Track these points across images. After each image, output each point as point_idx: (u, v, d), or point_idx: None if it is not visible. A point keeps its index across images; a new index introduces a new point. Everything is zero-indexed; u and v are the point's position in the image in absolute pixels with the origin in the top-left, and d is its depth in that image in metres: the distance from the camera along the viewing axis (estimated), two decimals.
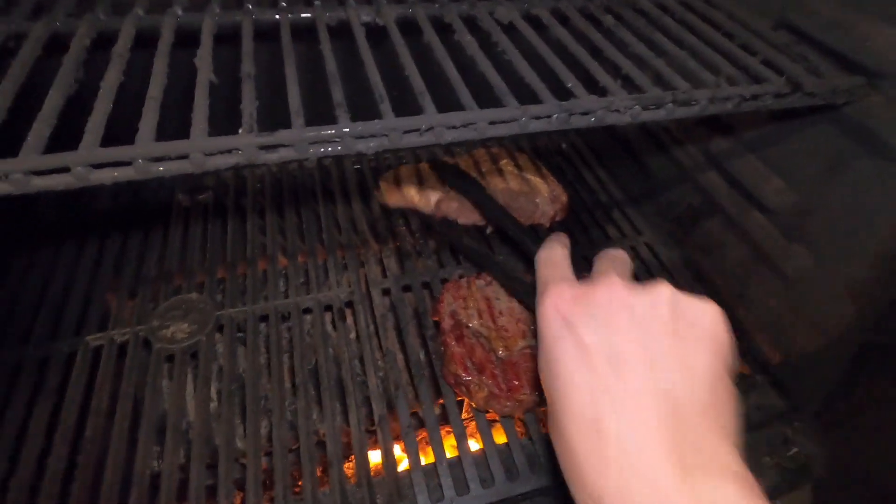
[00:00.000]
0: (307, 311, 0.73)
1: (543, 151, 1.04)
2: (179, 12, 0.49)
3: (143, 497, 0.54)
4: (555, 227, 0.85)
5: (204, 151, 0.35)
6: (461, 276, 0.74)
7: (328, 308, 0.73)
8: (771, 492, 0.60)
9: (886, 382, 0.69)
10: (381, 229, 0.84)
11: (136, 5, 0.49)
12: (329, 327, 0.72)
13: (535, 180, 0.87)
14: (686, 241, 0.81)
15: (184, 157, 0.35)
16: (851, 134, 0.53)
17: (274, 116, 0.44)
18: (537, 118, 0.41)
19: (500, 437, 0.62)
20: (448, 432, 0.62)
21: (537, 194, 0.85)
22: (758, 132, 0.65)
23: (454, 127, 0.39)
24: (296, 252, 0.80)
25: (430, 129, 0.38)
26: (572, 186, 0.95)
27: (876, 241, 0.53)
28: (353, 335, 0.71)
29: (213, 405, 0.65)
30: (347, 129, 0.37)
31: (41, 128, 0.35)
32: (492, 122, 0.40)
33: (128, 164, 0.34)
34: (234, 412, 0.62)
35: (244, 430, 0.61)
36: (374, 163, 0.98)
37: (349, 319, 0.73)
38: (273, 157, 0.36)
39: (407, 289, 0.76)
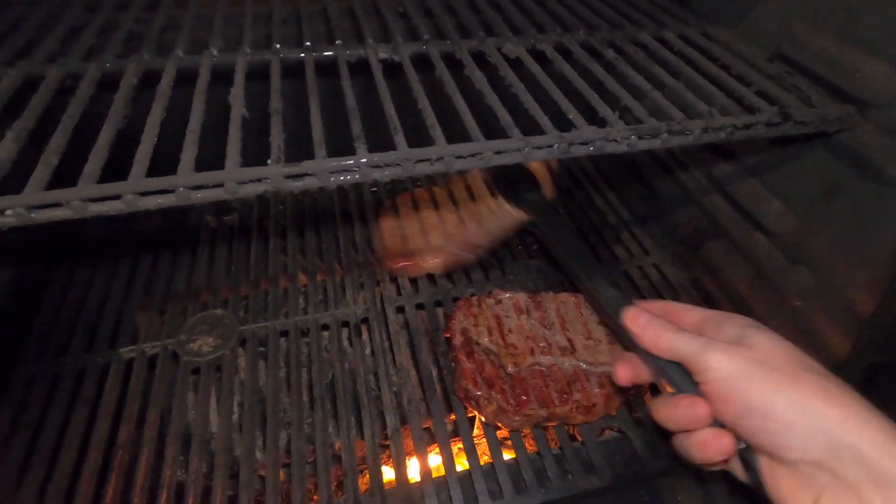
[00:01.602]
0: (325, 327, 0.77)
1: (554, 175, 1.07)
2: (215, 53, 0.55)
3: (170, 500, 0.57)
4: None
5: (237, 180, 0.39)
6: (472, 295, 0.77)
7: (345, 324, 0.77)
8: None
9: (878, 402, 0.70)
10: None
11: (177, 47, 0.55)
12: (346, 343, 0.76)
13: None
14: (692, 262, 0.83)
15: (219, 185, 0.39)
16: (846, 160, 0.55)
17: (298, 146, 0.48)
18: (539, 148, 0.44)
19: (510, 453, 0.64)
20: (459, 446, 0.65)
21: None
22: (759, 157, 0.67)
23: (462, 157, 0.43)
24: (315, 271, 0.84)
25: (440, 159, 0.42)
26: (581, 209, 0.97)
27: (874, 264, 0.54)
28: (368, 351, 0.74)
29: (235, 417, 0.68)
30: (365, 160, 0.41)
31: (96, 160, 0.39)
32: (497, 152, 0.44)
33: (171, 192, 0.38)
34: (254, 424, 0.65)
35: (263, 442, 0.64)
36: (390, 185, 1.02)
37: (365, 335, 0.76)
38: (298, 185, 0.40)
39: (420, 307, 0.79)
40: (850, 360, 0.59)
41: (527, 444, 0.64)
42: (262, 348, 0.74)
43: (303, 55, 0.56)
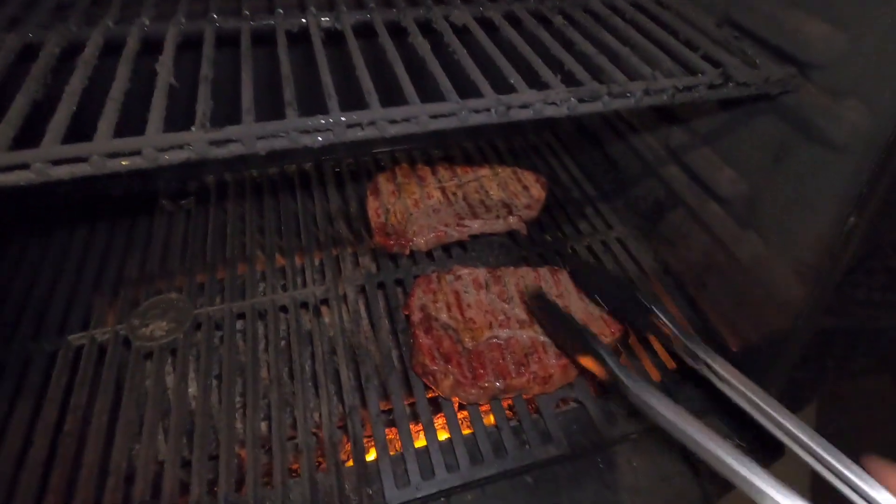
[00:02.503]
0: (283, 308, 0.75)
1: (520, 152, 1.06)
2: (147, 22, 0.52)
3: (119, 487, 0.56)
4: (530, 225, 0.88)
5: (156, 147, 0.37)
6: (433, 272, 0.76)
7: (304, 305, 0.76)
8: None
9: (843, 366, 0.71)
10: (358, 229, 0.87)
11: (107, 17, 0.52)
12: (305, 324, 0.75)
13: (521, 172, 0.93)
14: (653, 234, 0.83)
15: (137, 153, 0.37)
16: (792, 123, 0.55)
17: (234, 119, 0.46)
18: (477, 111, 0.44)
19: (469, 430, 0.64)
20: (417, 422, 0.64)
21: (527, 183, 0.90)
22: (711, 125, 0.67)
23: (395, 121, 0.42)
24: (274, 252, 0.82)
25: (372, 123, 0.41)
26: (547, 187, 0.97)
27: (818, 225, 0.55)
28: (327, 331, 0.73)
29: (191, 401, 0.66)
30: (293, 124, 0.39)
31: (6, 129, 0.37)
32: (433, 116, 0.43)
33: (84, 160, 0.36)
34: (210, 406, 0.64)
35: (219, 425, 0.63)
36: (354, 167, 1.00)
37: (324, 315, 0.75)
38: (223, 151, 0.39)
39: (381, 286, 0.79)
40: (798, 323, 0.60)
41: (486, 420, 0.64)
42: (218, 331, 0.72)
43: (240, 25, 0.54)
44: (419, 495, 0.57)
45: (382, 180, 0.91)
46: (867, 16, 0.46)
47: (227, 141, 0.39)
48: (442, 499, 0.58)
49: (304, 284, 0.78)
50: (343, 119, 0.40)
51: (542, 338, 0.66)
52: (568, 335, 0.59)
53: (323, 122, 0.40)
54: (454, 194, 0.89)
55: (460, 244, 0.85)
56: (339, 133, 0.41)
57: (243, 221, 0.88)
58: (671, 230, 0.79)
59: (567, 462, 0.61)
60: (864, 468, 0.37)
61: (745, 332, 0.68)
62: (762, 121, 0.59)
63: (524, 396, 0.65)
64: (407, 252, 0.82)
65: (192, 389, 0.67)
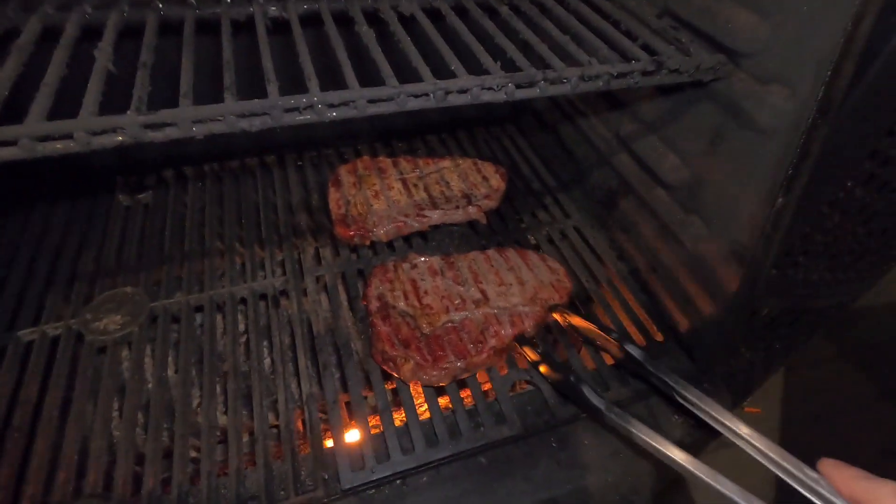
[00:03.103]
0: (242, 300, 0.75)
1: (482, 145, 1.08)
2: (88, 10, 0.52)
3: (70, 480, 0.56)
4: (490, 215, 0.89)
5: (89, 130, 0.37)
6: (391, 262, 0.77)
7: (263, 297, 0.76)
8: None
9: (782, 345, 0.75)
10: (320, 220, 0.87)
11: (46, 4, 0.52)
12: (263, 315, 0.75)
13: (482, 164, 0.94)
14: (608, 221, 0.85)
15: (68, 136, 0.37)
16: (725, 109, 0.58)
17: (173, 106, 0.46)
18: (416, 96, 0.45)
19: (426, 415, 0.65)
20: (375, 411, 0.65)
21: (487, 174, 0.92)
22: (656, 113, 0.70)
23: (334, 105, 0.42)
24: (234, 244, 0.82)
25: (310, 106, 0.42)
26: (507, 177, 0.98)
27: (751, 207, 0.57)
28: (286, 322, 0.73)
29: (146, 394, 0.66)
30: (229, 108, 0.40)
31: None
32: (371, 101, 0.43)
33: (13, 143, 0.36)
34: (167, 399, 0.64)
35: (174, 416, 0.63)
36: (317, 160, 1.00)
37: (284, 307, 0.75)
38: (158, 135, 0.39)
39: (342, 276, 0.79)
40: (738, 303, 0.62)
41: (441, 405, 0.65)
42: (175, 324, 0.72)
43: (185, 13, 0.54)
44: (374, 478, 0.57)
45: (344, 172, 0.91)
46: (787, 5, 0.49)
47: (163, 125, 0.39)
48: (398, 481, 0.59)
49: (264, 276, 0.78)
50: (280, 103, 0.41)
51: (495, 311, 0.68)
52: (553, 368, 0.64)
53: (259, 106, 0.40)
54: (415, 185, 0.90)
55: (421, 234, 0.86)
56: (277, 117, 0.41)
57: (203, 214, 0.87)
58: (624, 217, 0.81)
59: (521, 442, 0.62)
60: (820, 472, 0.40)
61: (692, 314, 0.70)
62: (699, 108, 0.61)
63: (479, 384, 0.66)
64: (367, 243, 0.83)
65: (149, 383, 0.66)
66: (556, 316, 0.71)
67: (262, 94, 0.44)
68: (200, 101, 0.41)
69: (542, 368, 0.65)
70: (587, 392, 0.59)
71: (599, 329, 0.66)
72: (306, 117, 0.42)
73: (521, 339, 0.67)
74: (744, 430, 0.49)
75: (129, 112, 0.39)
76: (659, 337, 0.74)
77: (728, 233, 0.61)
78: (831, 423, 1.40)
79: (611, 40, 0.57)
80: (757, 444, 0.47)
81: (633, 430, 0.54)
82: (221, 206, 0.89)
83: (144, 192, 0.90)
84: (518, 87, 0.47)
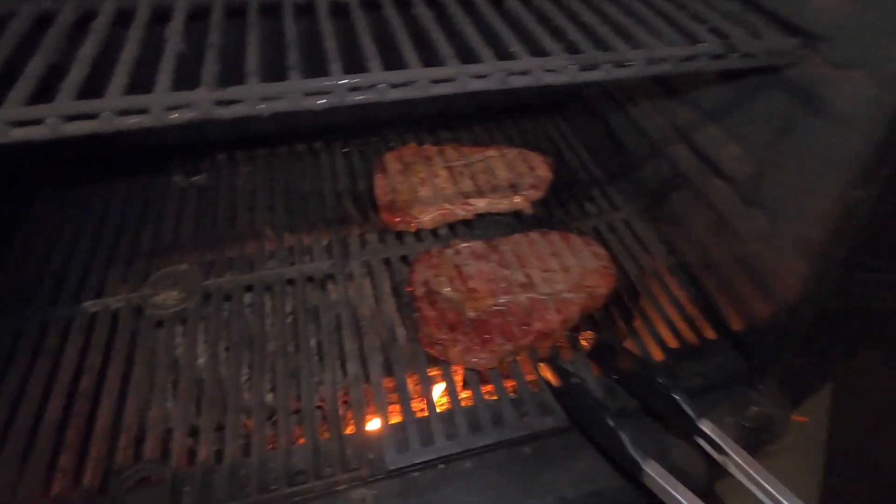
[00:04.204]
0: (290, 281, 0.77)
1: (528, 134, 1.06)
2: None
3: (130, 443, 0.58)
4: (535, 205, 0.88)
5: (163, 106, 0.38)
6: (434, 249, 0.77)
7: (310, 279, 0.77)
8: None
9: (846, 348, 0.71)
10: (365, 207, 0.88)
11: None
12: (311, 297, 0.76)
13: (528, 153, 0.93)
14: (658, 214, 0.83)
15: (144, 111, 0.38)
16: (797, 96, 0.55)
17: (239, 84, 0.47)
18: (477, 77, 0.44)
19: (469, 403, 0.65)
20: (420, 396, 0.65)
21: (533, 164, 0.91)
22: (717, 101, 0.67)
23: (396, 85, 0.42)
24: (282, 227, 0.84)
25: (373, 86, 0.42)
26: (553, 168, 0.97)
27: (823, 200, 0.54)
28: (332, 305, 0.75)
29: (200, 367, 0.68)
30: (295, 86, 0.40)
31: (22, 86, 0.39)
32: (433, 81, 0.43)
33: (95, 116, 0.38)
34: (219, 375, 0.66)
35: (227, 393, 0.65)
36: (363, 147, 1.01)
37: (330, 290, 0.77)
38: (227, 112, 0.40)
39: (386, 262, 0.80)
40: (801, 302, 0.59)
41: (485, 395, 0.65)
42: (226, 302, 0.74)
43: None
44: (418, 460, 0.58)
45: (390, 159, 0.92)
46: None
47: (231, 101, 0.40)
48: (441, 465, 0.59)
49: (311, 260, 0.80)
50: (344, 81, 0.41)
51: (541, 296, 0.68)
52: (584, 410, 0.59)
53: (325, 84, 0.41)
54: (461, 174, 0.89)
55: (465, 223, 0.85)
56: (340, 95, 0.42)
57: (253, 198, 0.89)
58: (676, 210, 0.78)
59: (565, 434, 0.61)
60: None
61: (748, 312, 0.68)
62: (767, 95, 0.58)
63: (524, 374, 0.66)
64: (413, 229, 0.83)
65: (201, 358, 0.68)
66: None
67: (322, 74, 0.45)
68: (263, 80, 0.42)
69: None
70: (623, 438, 0.53)
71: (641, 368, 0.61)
72: (368, 97, 0.42)
73: (551, 360, 0.64)
74: None
75: (200, 88, 0.40)
76: (711, 334, 0.71)
77: (793, 227, 0.58)
78: (881, 433, 1.32)
79: (677, 23, 0.54)
80: None
81: (669, 490, 0.48)
82: (271, 191, 0.91)
83: (198, 175, 0.93)
84: (582, 69, 0.46)
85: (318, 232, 0.83)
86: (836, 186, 0.53)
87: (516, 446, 0.60)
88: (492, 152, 0.94)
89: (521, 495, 0.57)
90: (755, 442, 0.62)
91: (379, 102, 0.43)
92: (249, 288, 0.76)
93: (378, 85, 0.42)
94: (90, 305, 0.71)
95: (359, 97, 0.42)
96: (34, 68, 0.41)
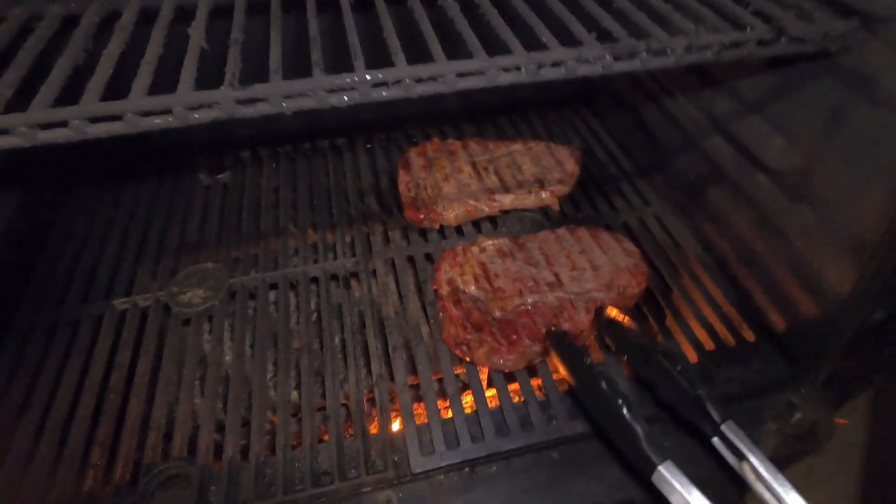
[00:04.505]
0: (314, 279, 0.77)
1: (554, 127, 1.03)
2: None
3: (159, 440, 0.59)
4: (562, 201, 0.85)
5: (186, 105, 0.38)
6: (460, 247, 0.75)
7: (334, 277, 0.77)
8: (772, 458, 0.58)
9: (890, 352, 0.66)
10: (388, 204, 0.87)
11: None
12: (335, 295, 0.75)
13: (555, 147, 0.91)
14: (694, 210, 0.79)
15: (168, 111, 0.38)
16: (851, 83, 0.51)
17: (263, 81, 0.46)
18: (507, 70, 0.42)
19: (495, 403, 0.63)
20: (444, 396, 0.64)
21: (560, 158, 0.89)
22: (760, 91, 0.63)
23: (422, 80, 0.41)
24: (306, 225, 0.84)
25: (398, 81, 0.40)
26: (581, 162, 0.94)
27: (877, 196, 0.50)
28: (356, 303, 0.74)
29: (226, 366, 0.69)
30: (319, 83, 0.39)
31: (48, 89, 0.39)
32: (460, 75, 0.41)
33: (119, 118, 0.37)
34: (244, 372, 0.66)
35: (252, 390, 0.65)
36: (385, 144, 1.00)
37: (354, 288, 0.76)
38: (250, 110, 0.39)
39: (410, 260, 0.79)
40: (850, 303, 0.56)
41: (513, 396, 0.63)
42: (251, 301, 0.74)
43: None
44: (443, 464, 0.57)
45: (413, 155, 0.90)
46: None
47: (255, 100, 0.39)
48: (466, 469, 0.58)
49: (335, 257, 0.79)
50: (368, 77, 0.40)
51: (569, 296, 0.66)
52: (598, 396, 0.53)
53: (348, 80, 0.39)
54: (485, 169, 0.87)
55: (490, 219, 0.84)
56: (365, 92, 0.40)
57: (277, 195, 0.89)
58: (713, 206, 0.75)
59: (595, 440, 0.59)
60: None
61: (791, 313, 0.64)
62: (817, 82, 0.55)
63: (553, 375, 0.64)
64: (437, 226, 0.82)
65: (228, 356, 0.69)
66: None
67: (346, 69, 0.43)
68: (287, 78, 0.41)
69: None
70: (639, 431, 0.48)
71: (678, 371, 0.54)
72: (394, 93, 0.41)
73: (556, 334, 0.60)
74: None
75: (222, 87, 0.39)
76: (750, 336, 0.68)
77: (844, 225, 0.54)
78: None
79: (716, 5, 0.51)
80: None
81: (680, 492, 0.44)
82: (294, 188, 0.90)
83: (223, 173, 0.93)
84: (616, 59, 0.43)
85: (342, 229, 0.83)
86: (893, 182, 0.49)
87: (544, 451, 0.59)
88: (517, 146, 0.91)
89: (549, 502, 0.55)
90: (800, 450, 0.59)
91: (405, 98, 0.42)
92: (274, 286, 0.75)
93: (404, 80, 0.40)
94: (119, 303, 0.72)
95: (384, 93, 0.41)
96: (60, 70, 0.41)
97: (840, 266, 0.56)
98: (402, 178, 0.86)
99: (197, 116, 0.39)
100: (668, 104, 0.82)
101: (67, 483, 0.56)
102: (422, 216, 0.80)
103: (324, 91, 0.40)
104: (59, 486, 0.55)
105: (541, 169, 0.87)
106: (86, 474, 0.57)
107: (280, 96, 0.39)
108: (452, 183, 0.84)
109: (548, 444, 0.59)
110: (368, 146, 0.99)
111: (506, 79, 0.42)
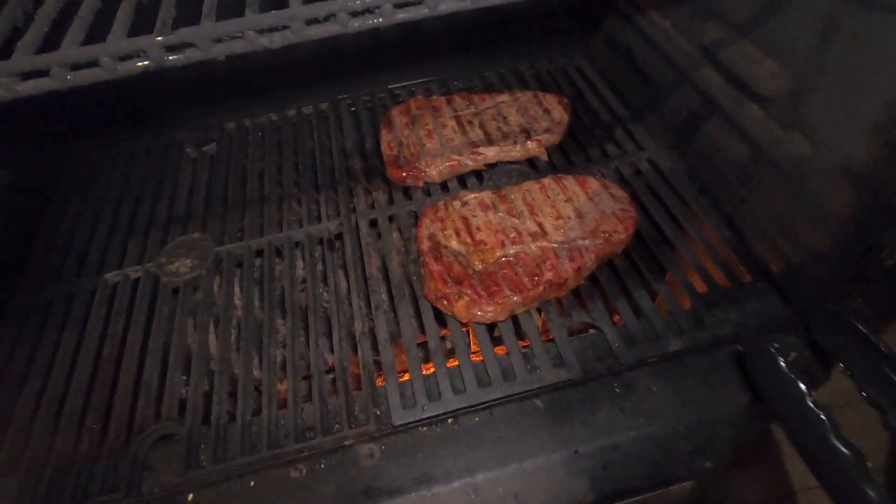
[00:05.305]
0: (298, 244, 0.76)
1: (546, 78, 0.99)
2: None
3: (149, 404, 0.61)
4: (551, 150, 0.82)
5: (113, 55, 0.37)
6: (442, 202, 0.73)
7: (319, 240, 0.76)
8: None
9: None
10: (373, 164, 0.85)
11: None
12: (319, 257, 0.75)
13: (543, 96, 0.87)
14: (688, 150, 0.75)
15: (95, 63, 0.37)
16: None
17: None
18: None
19: (478, 358, 0.62)
20: (426, 350, 0.64)
21: (548, 106, 0.85)
22: (750, 11, 0.58)
23: (357, 13, 0.38)
24: (291, 190, 0.83)
25: (331, 16, 0.38)
26: (570, 109, 0.90)
27: (874, 111, 0.46)
28: (340, 263, 0.73)
29: (214, 332, 0.69)
30: (248, 22, 0.37)
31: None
32: (397, 5, 0.39)
33: (45, 73, 0.36)
34: (230, 335, 0.67)
35: (238, 350, 0.66)
36: (370, 105, 0.98)
37: (338, 249, 0.75)
38: (180, 58, 0.38)
39: (393, 219, 0.77)
40: (848, 233, 0.52)
41: (496, 348, 0.62)
42: (238, 269, 0.75)
43: None
44: (425, 415, 0.57)
45: (396, 113, 0.88)
46: None
47: (184, 45, 0.38)
48: (449, 420, 0.57)
49: (319, 220, 0.78)
50: (300, 12, 0.38)
51: (553, 245, 0.64)
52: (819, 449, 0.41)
53: (277, 18, 0.37)
54: (470, 122, 0.84)
55: (476, 174, 0.81)
56: (298, 30, 0.38)
57: (262, 163, 0.89)
58: (707, 143, 0.71)
59: (581, 386, 0.58)
60: None
61: (788, 250, 0.60)
62: None
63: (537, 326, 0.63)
64: (421, 184, 0.80)
65: (215, 323, 0.69)
66: None
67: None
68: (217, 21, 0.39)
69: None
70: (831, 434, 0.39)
71: None
72: (329, 29, 0.39)
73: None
74: None
75: (149, 35, 0.38)
76: (746, 278, 0.64)
77: (840, 146, 0.50)
78: None
79: None
80: None
81: None
82: (280, 155, 0.90)
83: (209, 145, 0.93)
84: None
85: (326, 192, 0.82)
86: (890, 93, 0.45)
87: (527, 400, 0.58)
88: (504, 97, 0.88)
89: (533, 448, 0.54)
90: None
91: (343, 35, 0.39)
92: (260, 252, 0.76)
93: (338, 13, 0.38)
94: (112, 276, 0.74)
95: (319, 30, 0.39)
96: None
97: (836, 193, 0.52)
98: (385, 136, 0.84)
99: (126, 67, 0.37)
100: (659, 38, 0.77)
101: (66, 445, 0.58)
102: (404, 174, 0.79)
103: (254, 32, 0.38)
104: (58, 449, 0.58)
105: (527, 119, 0.84)
106: (82, 437, 0.59)
107: (209, 39, 0.38)
108: (435, 139, 0.82)
109: (530, 393, 0.58)
110: (353, 109, 0.97)
111: (446, 7, 0.40)
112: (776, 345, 0.46)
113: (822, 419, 0.40)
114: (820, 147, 0.53)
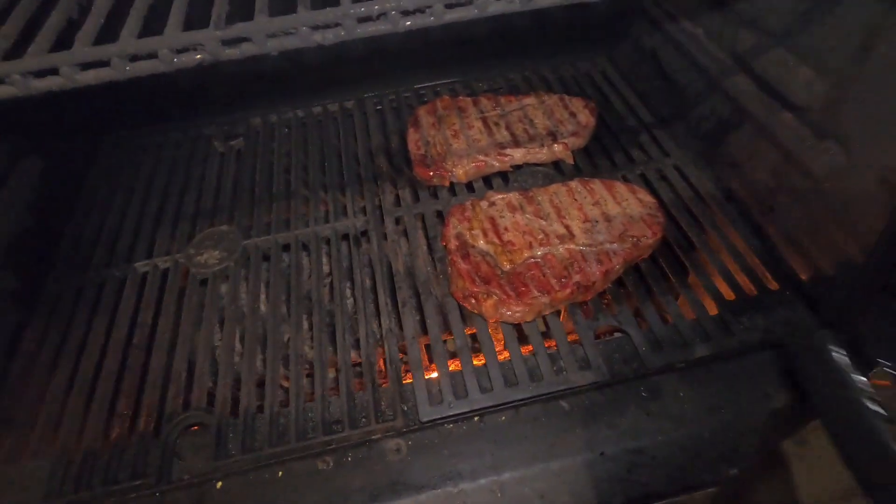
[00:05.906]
0: (326, 239, 0.77)
1: (570, 81, 0.99)
2: None
3: (179, 393, 0.61)
4: (577, 154, 0.83)
5: (171, 48, 0.37)
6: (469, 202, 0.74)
7: (345, 236, 0.77)
8: (794, 405, 0.56)
9: None
10: (399, 163, 0.86)
11: None
12: (345, 254, 0.76)
13: (569, 99, 0.88)
14: (715, 158, 0.75)
15: (154, 55, 0.38)
16: None
17: None
18: None
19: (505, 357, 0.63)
20: (452, 348, 0.64)
21: (574, 109, 0.86)
22: (786, 19, 0.58)
23: (409, 12, 0.39)
24: (317, 186, 0.84)
25: (383, 14, 0.39)
26: (596, 113, 0.90)
27: None
28: (367, 261, 0.74)
29: (241, 323, 0.70)
30: (302, 18, 0.38)
31: (41, 40, 0.39)
32: (448, 6, 0.40)
33: (106, 63, 0.37)
34: (259, 328, 0.68)
35: (265, 345, 0.67)
36: (396, 104, 0.98)
37: (364, 246, 0.76)
38: (235, 52, 0.39)
39: (420, 217, 0.78)
40: (881, 243, 0.52)
41: (522, 348, 0.63)
42: (265, 262, 0.76)
43: None
44: (452, 412, 0.57)
45: (423, 113, 0.89)
46: None
47: (239, 40, 0.38)
48: (475, 418, 0.58)
49: (346, 217, 0.79)
50: (352, 10, 0.38)
51: (581, 248, 0.64)
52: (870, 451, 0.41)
53: (332, 15, 0.38)
54: (496, 124, 0.85)
55: (502, 175, 0.82)
56: (350, 28, 0.39)
57: (289, 158, 0.90)
58: (736, 151, 0.71)
59: (607, 389, 0.58)
60: None
61: (818, 259, 0.60)
62: (848, 2, 0.50)
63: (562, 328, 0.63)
64: (446, 184, 0.80)
65: (242, 315, 0.70)
66: None
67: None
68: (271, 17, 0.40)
69: None
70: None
71: None
72: (380, 27, 0.39)
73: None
74: None
75: (206, 28, 0.39)
76: (774, 286, 0.64)
77: (877, 157, 0.50)
78: None
79: None
80: None
81: None
82: (305, 152, 0.91)
83: (236, 139, 0.94)
84: None
85: (352, 189, 0.83)
86: None
87: (553, 401, 0.58)
88: (530, 100, 0.88)
89: (558, 449, 0.55)
90: None
91: (393, 34, 0.40)
92: (286, 247, 0.76)
93: (389, 13, 0.39)
94: (141, 266, 0.75)
95: (370, 29, 0.39)
96: (53, 22, 0.42)
97: (871, 204, 0.52)
98: (412, 136, 0.85)
99: (183, 60, 0.38)
100: (689, 45, 0.77)
101: (97, 431, 0.59)
102: (431, 173, 0.79)
103: (308, 28, 0.39)
104: (89, 434, 0.59)
105: (553, 122, 0.84)
106: (112, 423, 0.60)
107: (264, 34, 0.38)
108: (462, 139, 0.83)
109: (556, 394, 0.58)
110: (378, 107, 0.98)
111: (496, 8, 0.40)
112: (829, 344, 0.45)
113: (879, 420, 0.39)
114: (856, 157, 0.53)
